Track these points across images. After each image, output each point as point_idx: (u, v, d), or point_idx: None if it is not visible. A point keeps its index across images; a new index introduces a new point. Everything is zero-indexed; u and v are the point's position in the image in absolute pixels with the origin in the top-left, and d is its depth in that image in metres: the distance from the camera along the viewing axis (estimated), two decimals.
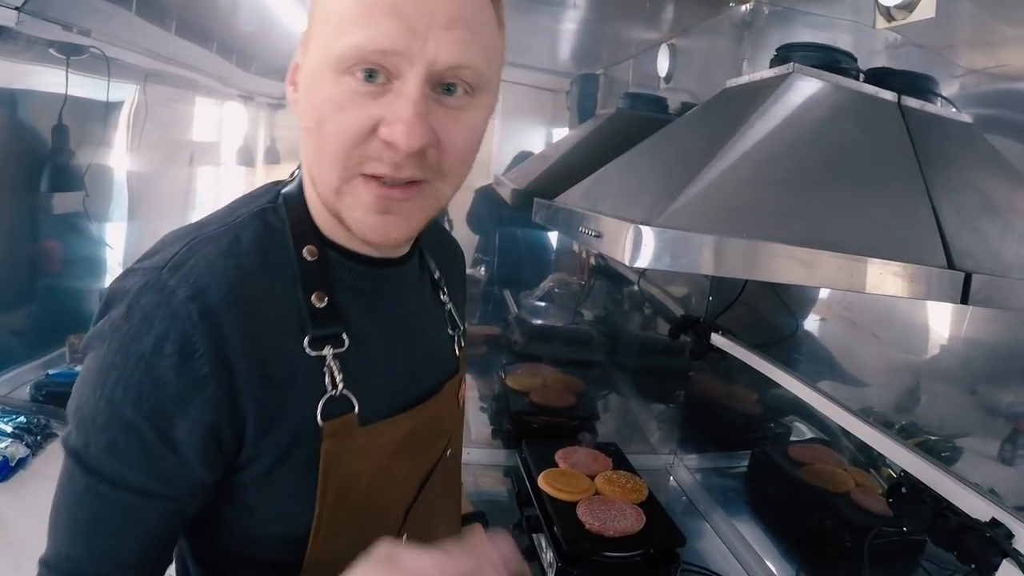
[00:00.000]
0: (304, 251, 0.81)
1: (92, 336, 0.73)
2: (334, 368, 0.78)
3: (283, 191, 0.86)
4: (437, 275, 1.04)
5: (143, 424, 0.69)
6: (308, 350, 0.77)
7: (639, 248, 0.80)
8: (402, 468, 0.89)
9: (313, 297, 0.79)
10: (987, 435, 1.26)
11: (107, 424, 0.69)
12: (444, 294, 1.05)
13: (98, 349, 0.71)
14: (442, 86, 0.74)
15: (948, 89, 1.31)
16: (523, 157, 2.64)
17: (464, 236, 2.70)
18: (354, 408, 0.80)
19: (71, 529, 0.72)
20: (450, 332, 1.05)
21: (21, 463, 1.80)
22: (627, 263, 0.81)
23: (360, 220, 0.77)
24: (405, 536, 0.91)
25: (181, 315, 0.69)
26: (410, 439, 0.89)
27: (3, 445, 1.79)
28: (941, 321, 1.42)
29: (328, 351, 0.78)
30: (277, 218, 0.82)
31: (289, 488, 0.78)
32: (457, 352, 1.05)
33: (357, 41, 0.69)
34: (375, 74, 0.71)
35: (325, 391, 0.78)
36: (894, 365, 1.59)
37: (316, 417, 0.77)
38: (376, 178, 0.74)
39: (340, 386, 0.79)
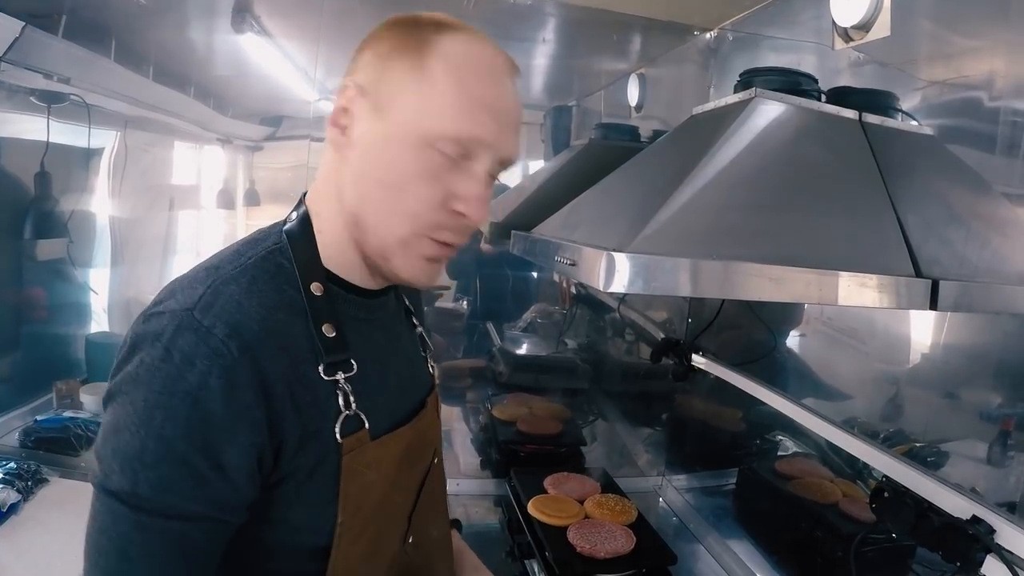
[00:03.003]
0: (312, 287, 0.88)
1: (123, 381, 0.77)
2: (347, 390, 0.87)
3: (285, 230, 0.93)
4: (408, 303, 1.17)
5: (196, 456, 0.74)
6: (323, 376, 0.85)
7: (612, 274, 0.83)
8: (405, 476, 1.00)
9: (324, 328, 0.87)
10: (972, 438, 1.28)
11: (158, 461, 0.73)
12: (415, 319, 1.18)
13: (133, 393, 0.75)
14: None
15: (911, 101, 1.36)
16: (498, 189, 2.66)
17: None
18: (365, 425, 0.89)
19: (122, 568, 0.75)
20: (423, 353, 1.17)
21: (13, 508, 1.80)
22: (601, 289, 0.84)
23: (415, 268, 0.90)
24: (411, 539, 1.02)
25: (222, 351, 0.75)
26: (410, 450, 0.99)
27: None
28: (920, 329, 1.44)
29: (340, 375, 0.87)
30: (284, 258, 0.89)
31: (313, 500, 0.86)
32: (431, 370, 1.17)
33: (459, 128, 0.84)
34: (452, 153, 0.85)
35: (340, 411, 0.86)
36: (876, 375, 1.62)
37: (336, 435, 0.85)
38: (442, 241, 0.88)
39: (353, 406, 0.87)
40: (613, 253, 0.83)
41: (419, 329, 1.17)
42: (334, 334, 0.87)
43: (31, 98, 2.33)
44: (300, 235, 0.92)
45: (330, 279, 0.91)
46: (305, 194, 0.98)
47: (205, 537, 0.78)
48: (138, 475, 0.73)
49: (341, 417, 0.86)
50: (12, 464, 1.96)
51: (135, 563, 0.75)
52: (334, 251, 0.92)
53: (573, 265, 0.96)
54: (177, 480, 0.74)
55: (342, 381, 0.87)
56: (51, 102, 2.36)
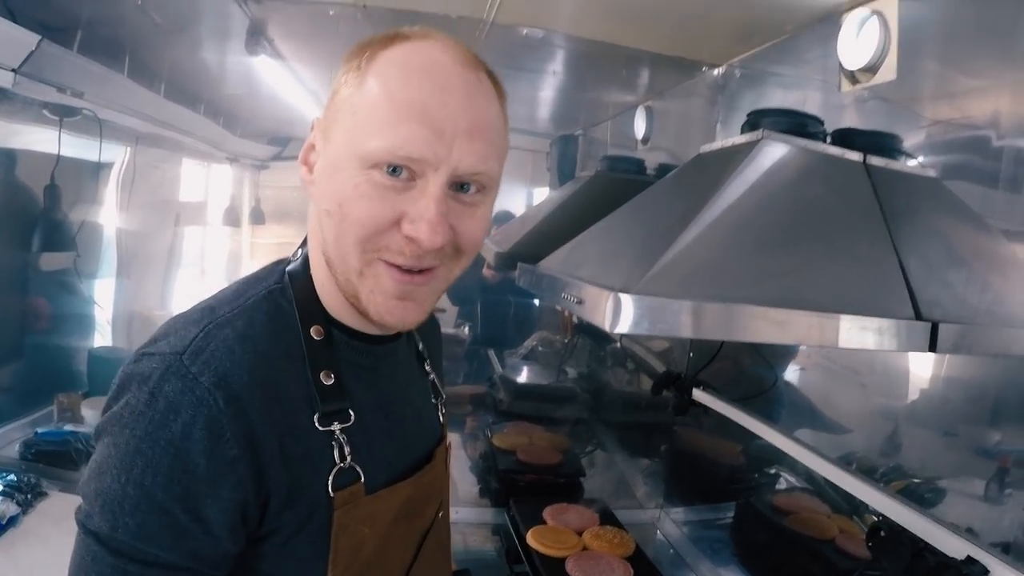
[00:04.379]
0: (311, 331, 0.85)
1: (109, 421, 0.74)
2: (342, 441, 0.82)
3: (287, 270, 0.89)
4: (421, 347, 1.10)
5: (175, 507, 0.71)
6: (318, 426, 0.81)
7: (619, 315, 0.83)
8: (402, 532, 0.93)
9: (321, 375, 0.83)
10: (970, 474, 1.28)
11: (136, 508, 0.70)
12: (428, 365, 1.11)
13: (117, 435, 0.72)
14: (458, 184, 0.80)
15: (915, 139, 1.37)
16: (503, 216, 2.68)
17: (445, 301, 2.73)
18: (360, 478, 0.84)
19: None
20: (434, 401, 1.10)
21: (12, 521, 1.81)
22: (607, 329, 0.84)
23: (380, 304, 0.82)
24: None
25: (207, 402, 0.72)
26: (408, 505, 0.93)
27: None
28: (919, 364, 1.44)
29: (336, 426, 0.82)
30: (284, 299, 0.86)
31: (303, 555, 0.81)
32: (441, 419, 1.11)
33: (388, 144, 0.75)
34: (399, 170, 0.76)
35: (334, 463, 0.81)
36: (875, 410, 1.61)
37: (327, 488, 0.80)
38: (396, 265, 0.80)
39: (348, 459, 0.82)
40: (620, 294, 0.83)
41: (432, 376, 1.11)
42: (332, 381, 0.83)
43: (44, 111, 2.36)
44: (302, 276, 0.88)
45: (332, 324, 0.88)
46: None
47: None
48: (117, 520, 0.70)
49: (335, 470, 0.81)
50: (12, 476, 1.97)
51: None
52: (329, 294, 0.87)
53: (580, 303, 0.96)
54: (155, 529, 0.71)
55: (338, 432, 0.82)
56: (64, 115, 2.39)
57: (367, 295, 0.81)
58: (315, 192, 0.84)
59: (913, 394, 1.49)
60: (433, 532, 1.01)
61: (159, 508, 0.70)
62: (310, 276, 0.88)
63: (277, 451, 0.76)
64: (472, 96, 0.80)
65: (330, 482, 0.81)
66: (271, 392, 0.77)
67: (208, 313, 0.81)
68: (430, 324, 1.17)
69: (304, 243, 0.92)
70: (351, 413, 0.84)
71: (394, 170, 0.76)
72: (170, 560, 0.72)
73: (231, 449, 0.72)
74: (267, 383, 0.77)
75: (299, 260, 0.90)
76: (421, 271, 0.81)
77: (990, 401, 1.27)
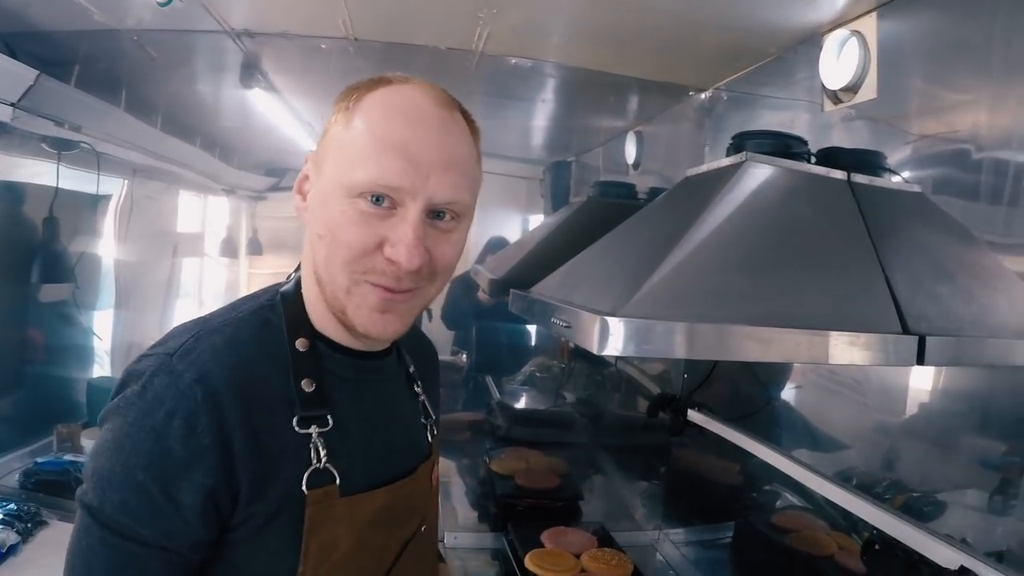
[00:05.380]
0: (297, 343, 0.93)
1: (109, 410, 0.84)
2: (319, 444, 0.89)
3: (281, 290, 0.98)
4: (412, 369, 1.16)
5: (153, 486, 0.80)
6: (296, 428, 0.88)
7: (606, 338, 0.85)
8: (379, 538, 0.98)
9: (303, 383, 0.90)
10: (973, 487, 1.28)
11: (121, 485, 0.80)
12: (418, 386, 1.16)
13: (114, 421, 0.83)
14: (435, 212, 0.89)
15: (901, 154, 1.39)
16: (496, 243, 2.70)
17: (442, 328, 2.76)
18: (336, 480, 0.90)
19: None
20: (423, 421, 1.15)
21: (12, 550, 1.81)
22: (596, 352, 0.86)
23: (364, 318, 0.90)
24: None
25: (188, 395, 0.81)
26: (386, 512, 0.98)
27: None
28: (917, 379, 1.44)
29: (314, 429, 0.89)
30: (274, 314, 0.95)
31: (275, 547, 0.87)
32: (430, 439, 1.15)
33: (370, 176, 0.84)
34: (381, 199, 0.85)
35: (311, 463, 0.88)
36: (872, 426, 1.61)
37: (302, 485, 0.87)
38: (380, 285, 0.88)
39: (324, 460, 0.89)
40: (607, 317, 0.85)
41: (422, 397, 1.16)
42: (313, 389, 0.91)
43: (43, 144, 2.39)
44: (293, 295, 0.97)
45: (319, 338, 0.95)
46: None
47: (163, 568, 0.83)
48: (106, 494, 0.80)
49: (310, 469, 0.88)
50: (12, 505, 1.98)
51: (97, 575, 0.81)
52: (318, 312, 0.95)
53: (568, 327, 0.98)
54: (135, 506, 0.80)
55: (315, 435, 0.89)
56: (62, 149, 2.43)
57: (353, 310, 0.90)
58: (308, 218, 0.92)
59: (912, 408, 1.49)
60: (414, 544, 1.06)
61: (139, 486, 0.80)
62: (301, 296, 0.97)
63: (251, 444, 0.84)
64: (447, 132, 0.90)
65: (305, 480, 0.87)
66: (249, 392, 0.85)
67: (202, 323, 0.91)
68: (426, 351, 1.27)
69: (298, 268, 1.01)
70: (329, 419, 0.91)
71: (377, 199, 0.85)
72: (146, 536, 0.80)
73: (204, 438, 0.81)
74: (246, 384, 0.86)
75: (292, 283, 0.99)
76: (402, 291, 0.89)
77: (991, 413, 1.27)
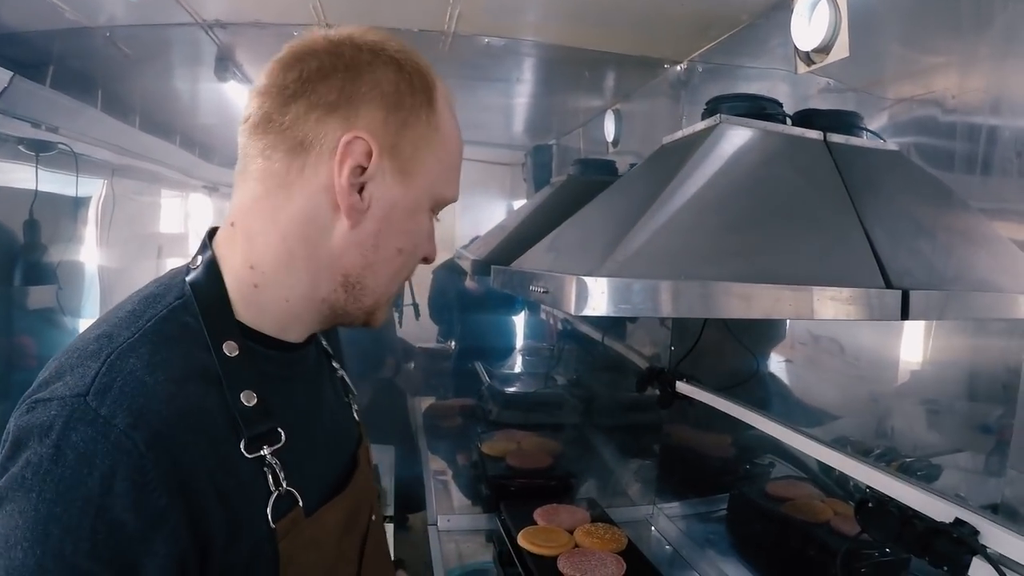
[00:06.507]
0: (224, 347, 0.76)
1: (8, 486, 0.63)
2: (275, 466, 0.75)
3: (189, 280, 0.80)
4: (324, 343, 1.05)
5: (105, 572, 0.62)
6: (246, 453, 0.73)
7: (584, 298, 0.84)
8: (347, 547, 0.90)
9: (242, 397, 0.74)
10: (966, 450, 1.29)
11: None
12: (335, 361, 1.07)
13: (22, 501, 0.62)
14: None
15: (879, 120, 1.39)
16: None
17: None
18: (299, 502, 0.78)
19: None
20: (346, 399, 1.07)
21: None
22: (572, 313, 0.86)
23: (382, 314, 0.90)
24: None
25: (126, 447, 0.63)
26: (348, 518, 0.89)
27: None
28: (906, 347, 1.45)
29: (265, 450, 0.75)
30: (189, 315, 0.76)
31: None
32: (356, 417, 1.07)
33: (454, 192, 0.87)
34: None
35: (270, 491, 0.75)
36: (865, 395, 1.61)
37: (268, 520, 0.74)
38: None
39: (284, 484, 0.76)
40: (584, 277, 0.84)
41: (340, 371, 1.07)
42: (255, 402, 0.75)
43: (19, 147, 2.37)
44: (207, 285, 0.79)
45: (246, 335, 0.79)
46: (211, 235, 0.85)
47: None
48: None
49: (272, 498, 0.74)
50: None
51: None
52: (249, 301, 0.80)
53: (546, 292, 0.97)
54: None
55: (268, 456, 0.75)
56: (39, 151, 2.41)
57: (379, 312, 0.89)
58: (372, 221, 0.80)
59: (903, 377, 1.49)
60: (371, 538, 0.97)
61: None
62: (218, 285, 0.80)
63: (211, 490, 0.69)
64: None
65: (269, 512, 0.74)
66: (194, 423, 0.69)
67: (105, 342, 0.71)
68: None
69: (205, 247, 0.83)
70: (280, 433, 0.77)
71: None
72: None
73: (160, 498, 0.64)
74: (188, 413, 0.69)
75: (201, 268, 0.81)
76: None
77: (980, 379, 1.28)
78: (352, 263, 0.81)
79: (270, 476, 0.75)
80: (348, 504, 0.89)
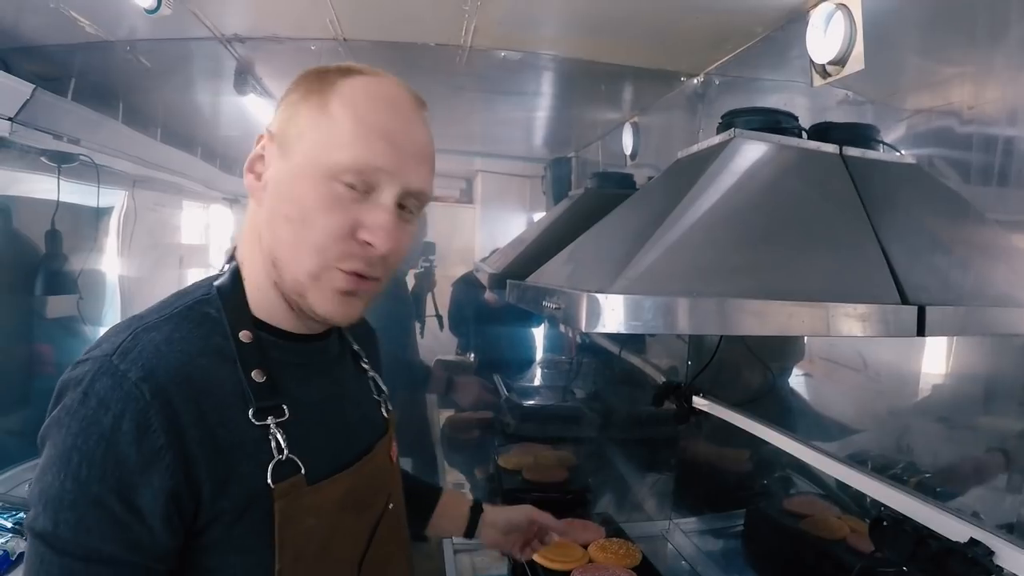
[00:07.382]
0: (240, 335, 0.89)
1: (48, 426, 0.80)
2: (278, 435, 0.87)
3: (216, 284, 0.94)
4: (356, 347, 1.16)
5: (110, 497, 0.76)
6: (253, 421, 0.86)
7: (596, 315, 0.85)
8: (350, 522, 0.98)
9: (253, 374, 0.88)
10: (986, 468, 1.26)
11: (75, 502, 0.75)
12: (365, 363, 1.17)
13: (57, 436, 0.77)
14: (400, 203, 0.91)
15: (896, 132, 1.37)
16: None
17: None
18: (301, 470, 0.88)
19: None
20: (376, 397, 1.16)
21: (21, 557, 1.81)
22: (584, 330, 0.85)
23: (328, 302, 0.90)
24: None
25: (135, 395, 0.77)
26: (353, 495, 0.97)
27: (3, 540, 1.84)
28: (928, 362, 1.42)
29: (271, 420, 0.87)
30: (212, 308, 0.91)
31: (248, 547, 0.85)
32: (385, 415, 1.16)
33: (355, 157, 0.86)
34: (355, 184, 0.86)
35: (273, 456, 0.86)
36: (886, 411, 1.59)
37: (267, 480, 0.84)
38: (351, 271, 0.89)
39: (285, 451, 0.87)
40: (595, 294, 0.84)
41: (371, 373, 1.17)
42: (264, 379, 0.88)
43: (41, 158, 2.41)
44: (230, 287, 0.93)
45: (261, 328, 0.93)
46: (235, 248, 0.99)
47: None
48: (59, 516, 0.75)
49: (273, 462, 0.85)
50: (21, 514, 1.99)
51: None
52: (262, 299, 0.93)
53: (559, 309, 0.97)
54: (94, 522, 0.75)
55: (273, 426, 0.86)
56: (61, 162, 2.44)
57: (317, 294, 0.89)
58: (267, 198, 0.91)
59: (924, 391, 1.47)
60: (384, 523, 1.06)
61: (95, 500, 0.75)
62: (239, 286, 0.94)
63: (207, 441, 0.81)
64: (423, 128, 0.94)
65: (269, 474, 0.85)
66: (199, 386, 0.82)
67: (136, 320, 0.86)
68: (364, 329, 1.27)
69: (231, 259, 0.98)
70: (285, 408, 0.89)
71: (352, 183, 0.86)
72: (111, 553, 0.77)
73: (158, 439, 0.77)
74: (194, 378, 0.82)
75: (227, 274, 0.95)
76: (372, 277, 0.91)
77: (999, 391, 1.26)
78: (268, 241, 0.91)
79: (274, 443, 0.86)
80: (352, 482, 0.97)
